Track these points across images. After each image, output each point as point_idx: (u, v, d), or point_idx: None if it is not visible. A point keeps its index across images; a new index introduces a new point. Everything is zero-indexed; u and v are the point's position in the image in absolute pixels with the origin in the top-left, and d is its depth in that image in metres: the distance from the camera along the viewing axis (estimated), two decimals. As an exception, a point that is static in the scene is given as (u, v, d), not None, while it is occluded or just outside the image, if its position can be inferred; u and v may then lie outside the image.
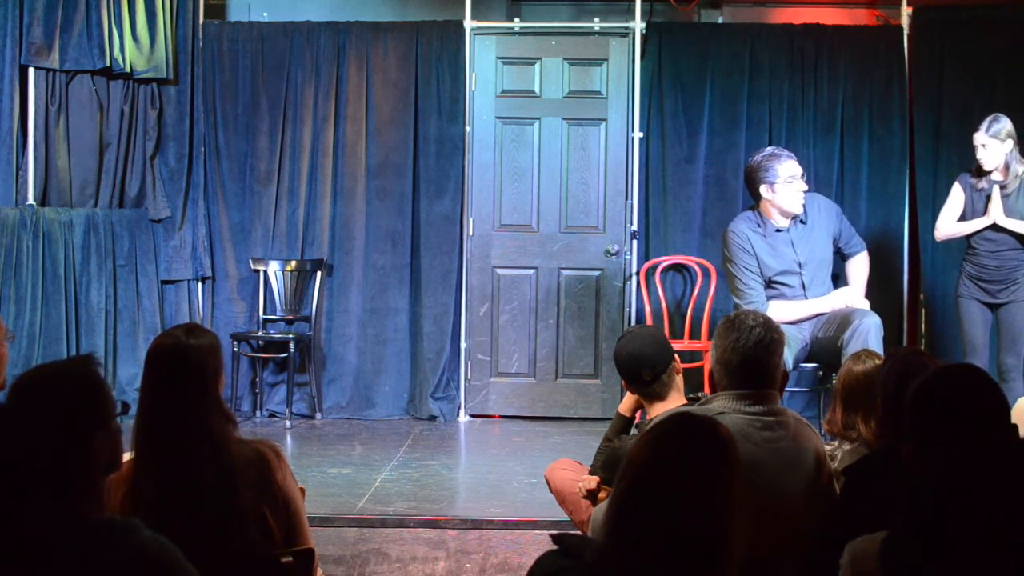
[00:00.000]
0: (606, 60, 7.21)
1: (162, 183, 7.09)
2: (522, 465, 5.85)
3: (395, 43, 7.16)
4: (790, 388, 6.08)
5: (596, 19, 7.25)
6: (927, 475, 1.74)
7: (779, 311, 5.49)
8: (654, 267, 6.99)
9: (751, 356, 2.99)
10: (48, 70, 6.86)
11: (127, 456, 2.54)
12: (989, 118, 5.74)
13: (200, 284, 7.16)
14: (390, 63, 7.17)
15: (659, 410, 3.66)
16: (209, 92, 7.16)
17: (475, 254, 7.23)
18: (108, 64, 6.83)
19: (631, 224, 7.03)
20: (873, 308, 5.73)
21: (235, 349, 6.91)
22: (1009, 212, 5.73)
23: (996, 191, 5.74)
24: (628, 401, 3.93)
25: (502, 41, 7.25)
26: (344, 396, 7.17)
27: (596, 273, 7.21)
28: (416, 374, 7.15)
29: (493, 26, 7.24)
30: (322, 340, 7.19)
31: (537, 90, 7.25)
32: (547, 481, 4.08)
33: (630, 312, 7.02)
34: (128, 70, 6.90)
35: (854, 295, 5.80)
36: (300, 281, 7.14)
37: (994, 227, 5.75)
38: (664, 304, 6.96)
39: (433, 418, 7.04)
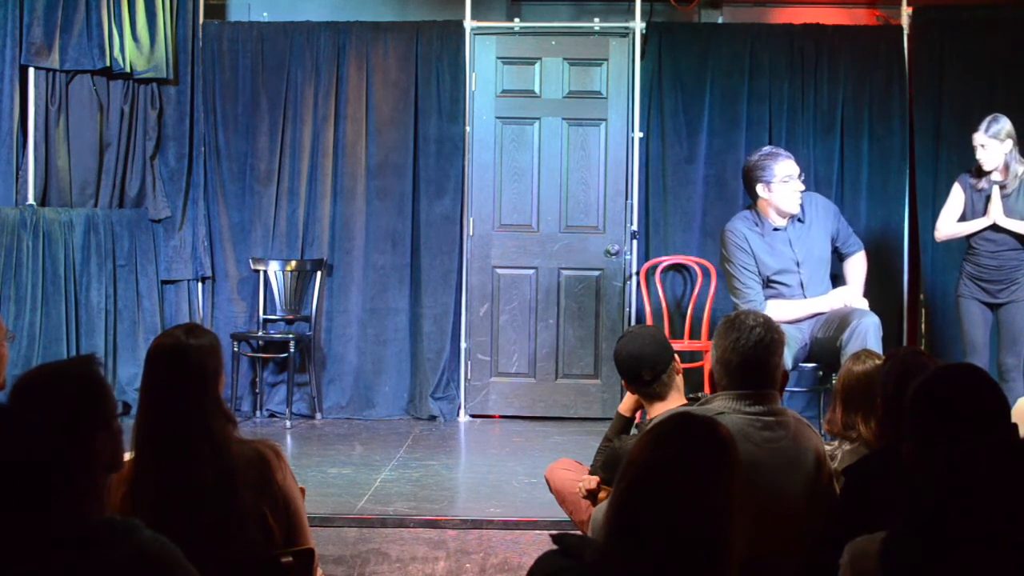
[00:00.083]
0: (606, 60, 7.21)
1: (162, 183, 7.09)
2: (522, 465, 5.85)
3: (395, 43, 7.16)
4: (790, 388, 6.08)
5: (596, 19, 7.25)
6: (927, 475, 1.73)
7: (777, 310, 5.49)
8: (654, 267, 6.99)
9: (751, 356, 2.99)
10: (48, 70, 6.86)
11: (127, 456, 2.54)
12: (988, 118, 5.75)
13: (200, 284, 7.16)
14: (390, 63, 7.17)
15: (659, 410, 3.66)
16: (209, 92, 7.16)
17: (475, 254, 7.23)
18: (108, 64, 6.83)
19: (631, 224, 7.03)
20: (873, 308, 5.73)
21: (235, 349, 6.91)
22: (1009, 212, 5.73)
23: (996, 191, 5.74)
24: (628, 401, 3.93)
25: (502, 41, 7.25)
26: (344, 396, 7.17)
27: (596, 273, 7.21)
28: (416, 374, 7.15)
29: (493, 26, 7.24)
30: (322, 340, 7.19)
31: (537, 90, 7.25)
32: (547, 481, 4.08)
33: (630, 312, 7.02)
34: (128, 70, 6.90)
35: (852, 295, 5.80)
36: (300, 281, 7.14)
37: (994, 227, 5.75)
38: (664, 304, 6.96)
39: (433, 418, 7.04)
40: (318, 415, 7.09)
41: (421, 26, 7.17)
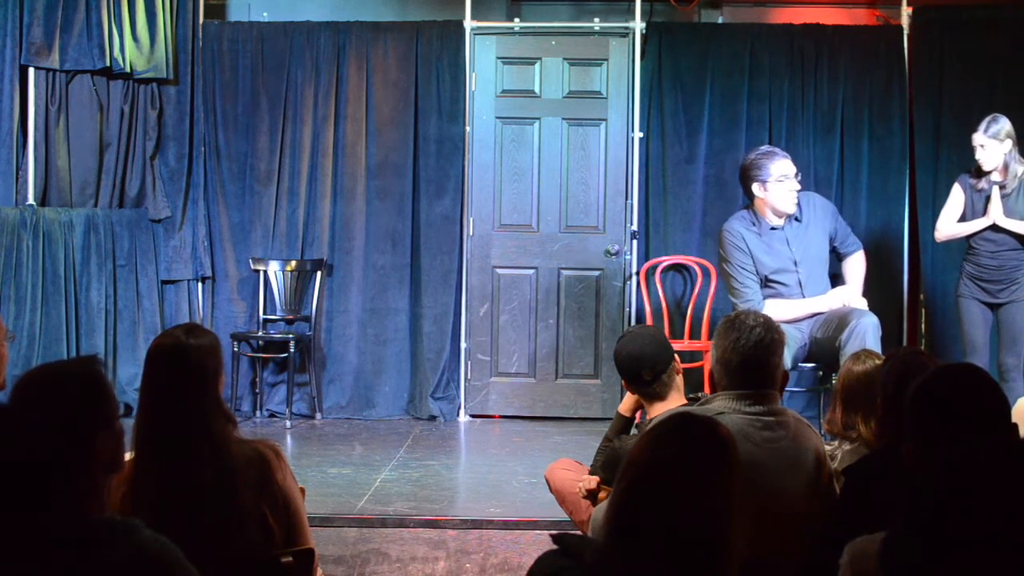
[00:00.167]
0: (606, 60, 7.21)
1: (162, 183, 7.09)
2: (522, 465, 5.85)
3: (395, 43, 7.16)
4: (790, 388, 6.08)
5: (596, 19, 7.25)
6: (927, 475, 1.74)
7: (776, 310, 5.49)
8: (654, 267, 6.99)
9: (751, 356, 2.99)
10: (48, 70, 6.86)
11: (127, 456, 2.54)
12: (988, 118, 5.75)
13: (200, 284, 7.16)
14: (390, 63, 7.17)
15: (659, 410, 3.66)
16: (209, 92, 7.16)
17: (475, 254, 7.23)
18: (108, 64, 6.83)
19: (631, 224, 7.03)
20: (873, 308, 5.73)
21: (235, 349, 6.91)
22: (1009, 212, 5.73)
23: (996, 192, 5.74)
24: (628, 401, 3.93)
25: (502, 41, 7.25)
26: (344, 396, 7.17)
27: (596, 273, 7.21)
28: (416, 374, 7.15)
29: (493, 26, 7.24)
30: (322, 340, 7.19)
31: (537, 90, 7.25)
32: (547, 481, 4.08)
33: (630, 312, 7.02)
34: (128, 70, 6.90)
35: (851, 294, 5.80)
36: (300, 281, 7.14)
37: (994, 227, 5.75)
38: (664, 304, 6.96)
39: (433, 418, 7.04)
40: (318, 415, 7.09)
41: (421, 26, 7.17)
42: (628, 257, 7.06)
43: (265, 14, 7.34)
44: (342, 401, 7.16)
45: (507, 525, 4.73)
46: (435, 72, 7.12)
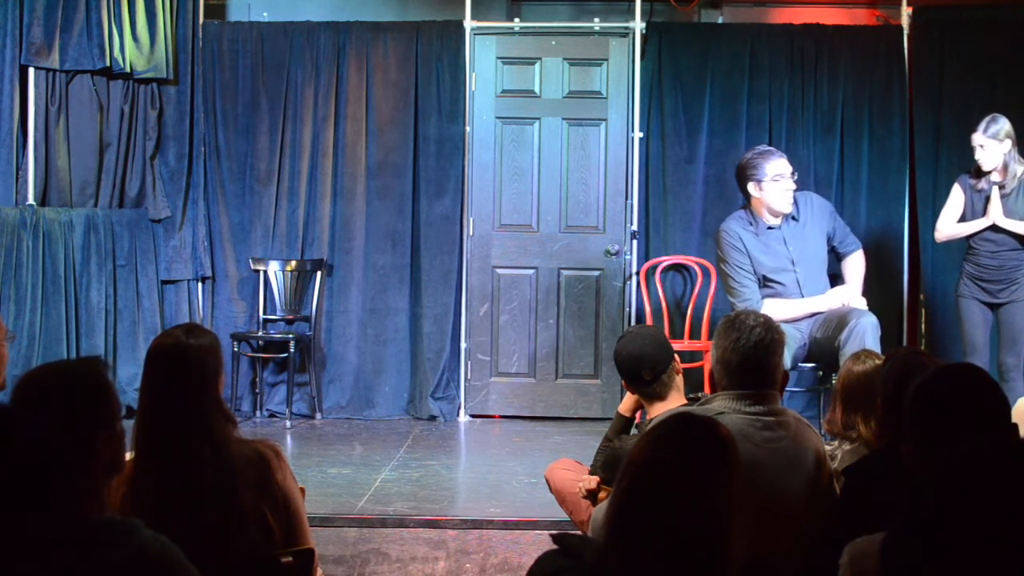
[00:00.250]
0: (606, 60, 7.21)
1: (162, 183, 7.09)
2: (522, 465, 5.85)
3: (395, 43, 7.16)
4: (790, 388, 6.08)
5: (596, 19, 7.25)
6: (927, 475, 1.74)
7: (774, 309, 5.49)
8: (654, 267, 6.99)
9: (751, 356, 2.99)
10: (48, 70, 6.86)
11: (127, 456, 2.54)
12: (987, 119, 5.74)
13: (200, 284, 7.16)
14: (390, 63, 7.17)
15: (659, 410, 3.67)
16: (209, 92, 7.16)
17: (475, 254, 7.23)
18: (108, 64, 6.83)
19: (631, 224, 7.03)
20: (873, 308, 5.73)
21: (235, 349, 6.91)
22: (1008, 213, 5.73)
23: (995, 192, 5.74)
24: (628, 401, 3.93)
25: (502, 41, 7.25)
26: (344, 396, 7.17)
27: (596, 273, 7.21)
28: (416, 374, 7.15)
29: (493, 26, 7.24)
30: (322, 340, 7.19)
31: (537, 90, 7.25)
32: (547, 481, 4.08)
33: (630, 312, 7.03)
34: (128, 70, 6.90)
35: (851, 293, 5.80)
36: (300, 281, 7.14)
37: (994, 227, 5.75)
38: (664, 304, 6.96)
39: (433, 418, 7.04)
40: (318, 415, 7.09)
41: (421, 26, 7.17)
42: (628, 257, 7.06)
43: (265, 14, 7.34)
44: (342, 401, 7.16)
45: (507, 525, 4.73)
46: (435, 72, 7.13)
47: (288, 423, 6.89)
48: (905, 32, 7.02)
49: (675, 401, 3.71)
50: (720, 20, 7.37)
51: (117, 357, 6.87)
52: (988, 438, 2.14)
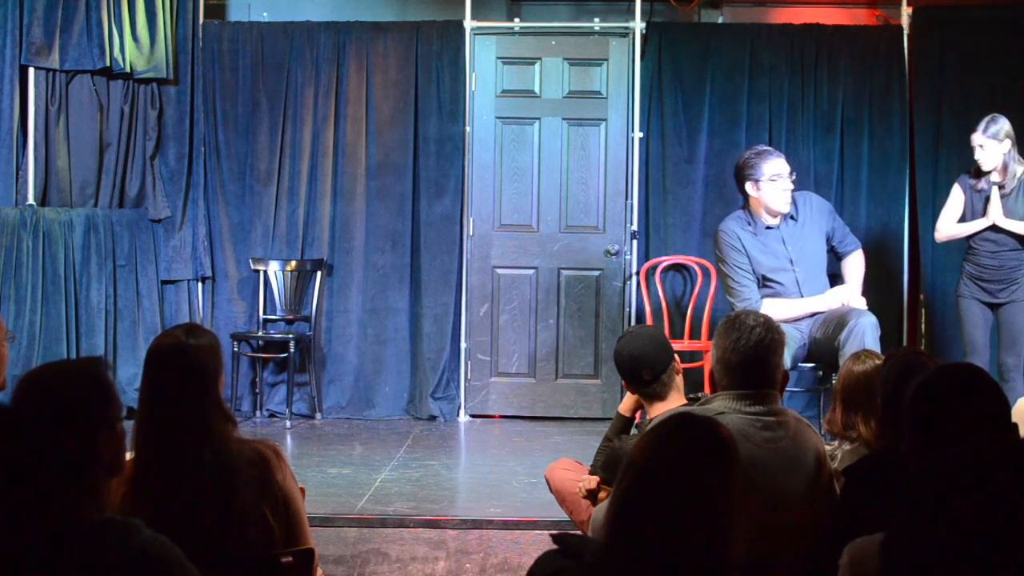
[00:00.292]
0: (606, 60, 7.21)
1: (162, 183, 7.09)
2: (522, 465, 5.85)
3: (395, 43, 7.16)
4: (790, 388, 6.08)
5: (596, 19, 7.25)
6: (927, 475, 1.74)
7: (773, 309, 5.49)
8: (654, 267, 6.99)
9: (752, 356, 2.99)
10: (48, 70, 6.86)
11: (127, 456, 2.54)
12: (987, 119, 5.74)
13: (200, 284, 7.16)
14: (390, 63, 7.17)
15: (659, 410, 3.66)
16: (209, 92, 7.16)
17: (475, 254, 7.23)
18: (108, 64, 6.83)
19: (631, 224, 7.03)
20: (873, 308, 5.73)
21: (235, 349, 6.91)
22: (1008, 213, 5.73)
23: (995, 192, 5.74)
24: (628, 401, 3.93)
25: (502, 41, 7.25)
26: (344, 396, 7.17)
27: (596, 273, 7.21)
28: (416, 374, 7.15)
29: (493, 26, 7.24)
30: (322, 340, 7.19)
31: (537, 90, 7.25)
32: (547, 481, 4.08)
33: (630, 312, 7.03)
34: (128, 70, 6.90)
35: (850, 293, 5.80)
36: (300, 281, 7.14)
37: (994, 228, 5.75)
38: (664, 304, 6.97)
39: (433, 418, 7.04)
40: (318, 415, 7.09)
41: (421, 26, 7.17)
42: (628, 257, 7.06)
43: (265, 14, 7.34)
44: (342, 401, 7.16)
45: (507, 525, 4.73)
46: (435, 72, 7.13)
47: (288, 423, 6.89)
48: (905, 32, 7.02)
49: (675, 401, 3.71)
50: (720, 20, 7.37)
51: (117, 357, 6.87)
52: (988, 438, 2.14)
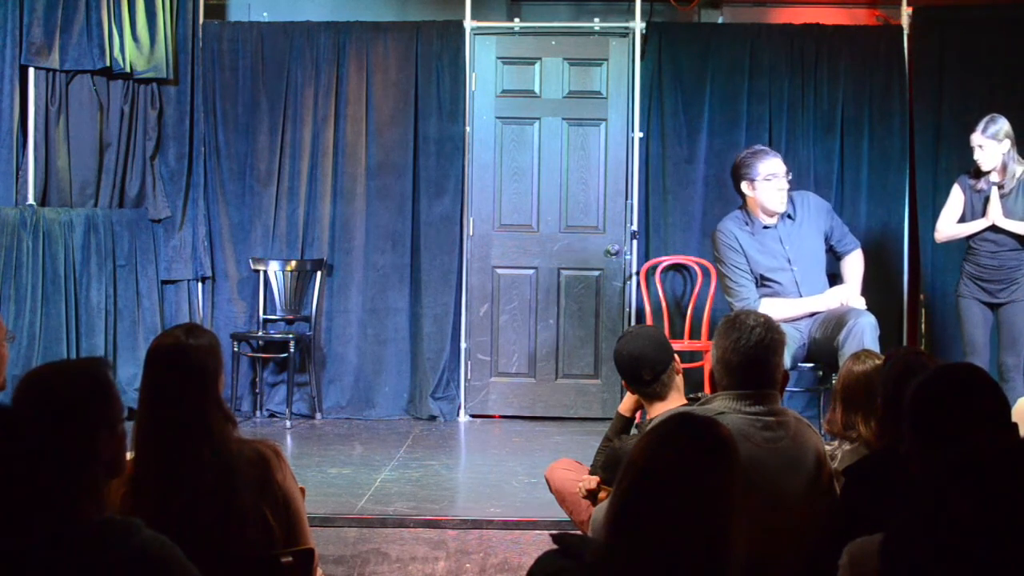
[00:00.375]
0: (606, 60, 7.21)
1: (162, 183, 7.09)
2: (522, 465, 5.85)
3: (395, 43, 7.16)
4: (790, 388, 6.08)
5: (596, 19, 7.25)
6: (927, 475, 1.74)
7: (772, 309, 5.49)
8: (654, 267, 6.99)
9: (752, 356, 2.99)
10: (48, 70, 6.86)
11: (128, 456, 2.54)
12: (986, 119, 5.74)
13: (200, 284, 7.16)
14: (390, 63, 7.17)
15: (659, 410, 3.67)
16: (209, 92, 7.16)
17: (475, 254, 7.23)
18: (108, 64, 6.83)
19: (631, 224, 7.03)
20: (872, 308, 5.73)
21: (235, 349, 6.92)
22: (1008, 213, 5.73)
23: (995, 192, 5.73)
24: (628, 401, 3.93)
25: (502, 41, 7.25)
26: (344, 396, 7.17)
27: (596, 273, 7.21)
28: (416, 374, 7.15)
29: (493, 26, 7.24)
30: (322, 340, 7.19)
31: (537, 90, 7.25)
32: (547, 481, 4.09)
33: (630, 312, 7.03)
34: (128, 70, 6.90)
35: (849, 293, 5.80)
36: (300, 281, 7.14)
37: (994, 228, 5.75)
38: (664, 304, 6.97)
39: (433, 418, 7.04)
40: (318, 415, 7.09)
41: (421, 26, 7.17)
42: (628, 257, 7.06)
43: (265, 14, 7.34)
44: (342, 401, 7.17)
45: (507, 525, 4.74)
46: (435, 72, 7.13)
47: (288, 423, 6.89)
48: (905, 32, 7.02)
49: (675, 401, 3.71)
50: (720, 20, 7.37)
51: (117, 357, 6.87)
52: (988, 438, 2.14)
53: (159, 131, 7.07)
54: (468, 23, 7.13)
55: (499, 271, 7.25)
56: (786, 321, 5.51)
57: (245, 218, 7.19)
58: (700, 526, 1.85)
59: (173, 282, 7.11)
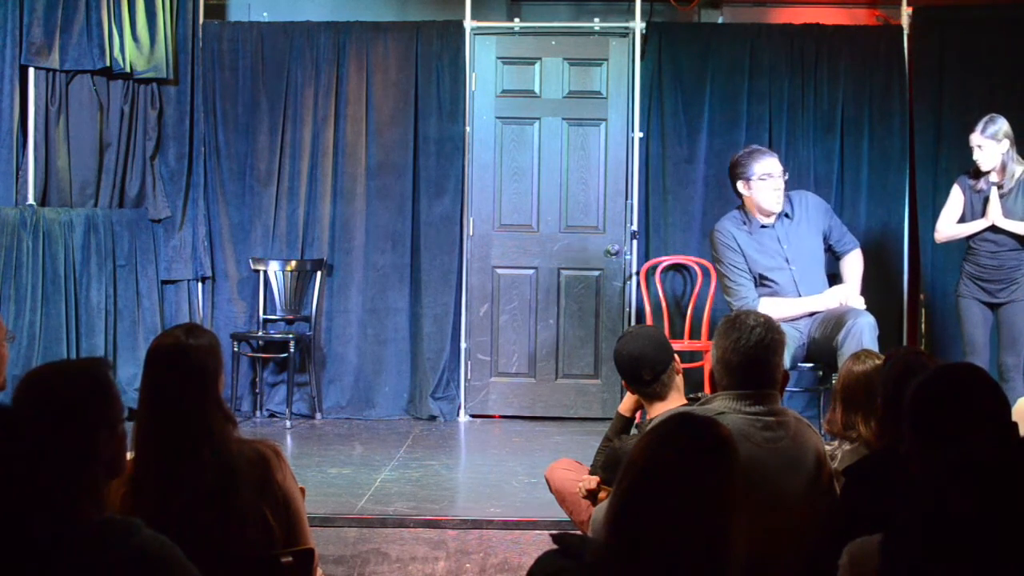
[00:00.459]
0: (606, 60, 7.21)
1: (162, 183, 7.09)
2: (522, 465, 5.85)
3: (395, 43, 7.16)
4: (790, 388, 6.08)
5: (596, 19, 7.25)
6: (927, 475, 1.74)
7: (771, 308, 5.49)
8: (654, 267, 6.99)
9: (752, 356, 2.99)
10: (48, 70, 6.86)
11: (128, 456, 2.54)
12: (985, 119, 5.74)
13: (200, 284, 7.16)
14: (390, 63, 7.17)
15: (659, 410, 3.67)
16: (209, 92, 7.16)
17: (475, 254, 7.23)
18: (108, 64, 6.83)
19: (631, 224, 7.03)
20: (872, 308, 5.73)
21: (235, 349, 6.92)
22: (1007, 213, 5.73)
23: (994, 192, 5.73)
24: (628, 401, 3.93)
25: (502, 41, 7.26)
26: (344, 396, 7.17)
27: (596, 273, 7.21)
28: (416, 374, 7.15)
29: (493, 26, 7.24)
30: (322, 340, 7.19)
31: (537, 90, 7.25)
32: (547, 481, 4.09)
33: (630, 312, 7.03)
34: (128, 70, 6.90)
35: (848, 293, 5.80)
36: (300, 281, 7.14)
37: (993, 228, 5.75)
38: (664, 304, 6.97)
39: (433, 418, 7.04)
40: (318, 415, 7.09)
41: (421, 26, 7.17)
42: (628, 257, 7.06)
43: (265, 14, 7.34)
44: (342, 401, 7.17)
45: (507, 525, 4.74)
46: (435, 72, 7.13)
47: (288, 423, 6.89)
48: (905, 32, 7.03)
49: (675, 401, 3.71)
50: (720, 20, 7.37)
51: (117, 357, 6.87)
52: (988, 438, 2.14)
53: (159, 131, 7.07)
54: (468, 23, 7.13)
55: (499, 271, 7.25)
56: (785, 321, 5.51)
57: (245, 218, 7.19)
58: (700, 526, 1.85)
59: (173, 282, 7.11)
